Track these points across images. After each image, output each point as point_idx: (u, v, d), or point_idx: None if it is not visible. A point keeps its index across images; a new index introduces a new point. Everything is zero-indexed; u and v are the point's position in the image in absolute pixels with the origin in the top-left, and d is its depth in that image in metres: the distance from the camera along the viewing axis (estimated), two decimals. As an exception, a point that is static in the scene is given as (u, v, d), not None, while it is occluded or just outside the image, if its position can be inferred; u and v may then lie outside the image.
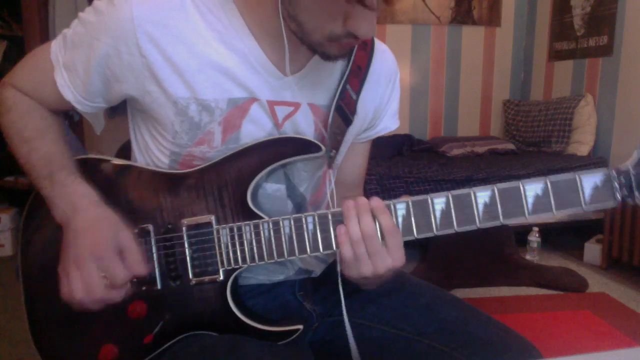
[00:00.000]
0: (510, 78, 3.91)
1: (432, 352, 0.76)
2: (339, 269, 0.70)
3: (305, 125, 0.77)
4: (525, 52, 3.87)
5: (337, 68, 0.79)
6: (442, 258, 2.56)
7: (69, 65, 0.73)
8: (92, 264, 0.65)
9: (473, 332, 0.76)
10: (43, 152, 0.74)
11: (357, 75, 0.79)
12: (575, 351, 1.79)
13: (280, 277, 0.83)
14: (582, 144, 3.07)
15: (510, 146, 3.34)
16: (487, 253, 2.61)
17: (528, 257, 2.74)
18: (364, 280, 0.69)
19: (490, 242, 2.66)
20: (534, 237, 2.74)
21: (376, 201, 0.67)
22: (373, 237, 0.66)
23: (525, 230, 2.77)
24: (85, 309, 0.67)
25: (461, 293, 2.31)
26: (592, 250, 2.72)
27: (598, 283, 2.46)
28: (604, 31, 3.05)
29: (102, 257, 0.66)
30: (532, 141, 3.41)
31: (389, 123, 0.89)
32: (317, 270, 0.88)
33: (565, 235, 3.11)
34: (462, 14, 3.71)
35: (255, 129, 0.74)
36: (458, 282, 2.42)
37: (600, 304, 2.23)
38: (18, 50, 3.04)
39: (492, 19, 3.77)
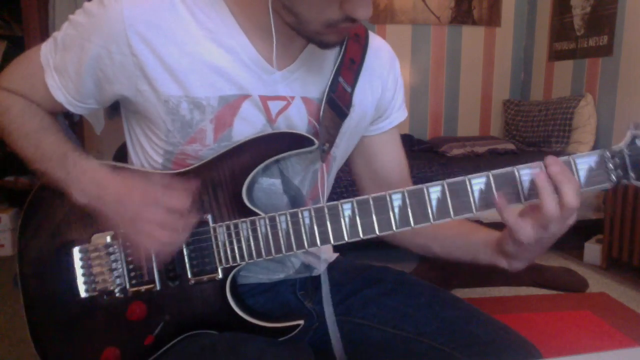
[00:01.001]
0: (510, 78, 3.91)
1: (432, 352, 0.76)
2: (514, 234, 0.66)
3: (298, 119, 0.77)
4: (525, 52, 3.87)
5: (329, 60, 0.79)
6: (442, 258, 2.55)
7: (60, 68, 0.73)
8: (154, 208, 0.67)
9: (473, 331, 0.75)
10: (50, 142, 0.74)
11: (351, 68, 0.79)
12: (575, 351, 1.78)
13: (280, 276, 0.83)
14: (582, 144, 3.06)
15: (510, 146, 3.34)
16: (487, 253, 2.60)
17: (528, 257, 2.74)
18: (540, 249, 0.69)
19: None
20: (534, 237, 2.74)
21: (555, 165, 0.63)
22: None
23: (525, 230, 2.77)
24: (173, 250, 0.69)
25: (461, 293, 2.31)
26: (592, 250, 2.71)
27: (598, 283, 2.46)
28: (604, 31, 3.05)
29: (156, 198, 0.67)
30: (532, 141, 3.40)
31: (399, 114, 0.89)
32: (318, 268, 0.88)
33: (565, 235, 3.08)
34: (462, 14, 3.71)
35: (247, 126, 0.74)
36: (458, 282, 2.42)
37: (600, 304, 2.22)
38: (18, 50, 3.02)
39: (492, 19, 3.76)
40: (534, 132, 3.38)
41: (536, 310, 2.18)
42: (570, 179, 0.61)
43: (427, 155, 3.20)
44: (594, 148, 3.07)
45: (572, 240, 3.09)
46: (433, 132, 3.84)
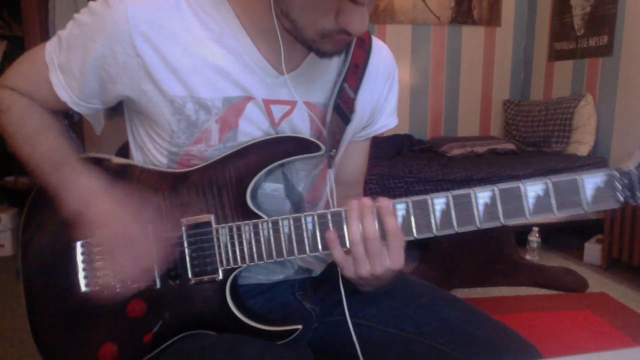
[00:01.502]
0: (510, 78, 3.91)
1: (432, 353, 0.76)
2: (340, 269, 0.70)
3: (301, 124, 0.77)
4: (525, 52, 3.87)
5: (332, 66, 0.79)
6: (442, 258, 2.56)
7: (65, 67, 0.73)
8: (141, 233, 0.69)
9: (473, 332, 0.75)
10: (46, 147, 0.74)
11: (355, 73, 0.79)
12: (575, 351, 1.78)
13: (279, 277, 0.83)
14: (582, 144, 3.07)
15: (510, 146, 3.34)
16: (487, 253, 2.60)
17: (528, 257, 2.74)
18: (362, 281, 0.70)
19: (490, 242, 2.66)
20: (534, 237, 2.74)
21: (383, 201, 0.67)
22: (374, 239, 0.66)
23: (525, 230, 2.77)
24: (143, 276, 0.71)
25: (461, 293, 2.31)
26: (592, 250, 2.72)
27: (598, 283, 2.46)
28: (604, 31, 3.05)
29: (145, 223, 0.70)
30: (532, 141, 3.41)
31: (388, 121, 0.89)
32: (317, 269, 0.88)
33: (565, 235, 3.10)
34: (462, 14, 3.71)
35: (252, 127, 0.74)
36: (458, 282, 2.42)
37: (600, 304, 2.23)
38: (18, 50, 3.04)
39: (492, 19, 3.77)
40: (534, 132, 3.38)
41: (536, 310, 2.18)
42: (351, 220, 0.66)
43: (427, 155, 3.20)
44: (594, 148, 3.08)
45: (572, 240, 3.10)
46: (433, 132, 3.84)
